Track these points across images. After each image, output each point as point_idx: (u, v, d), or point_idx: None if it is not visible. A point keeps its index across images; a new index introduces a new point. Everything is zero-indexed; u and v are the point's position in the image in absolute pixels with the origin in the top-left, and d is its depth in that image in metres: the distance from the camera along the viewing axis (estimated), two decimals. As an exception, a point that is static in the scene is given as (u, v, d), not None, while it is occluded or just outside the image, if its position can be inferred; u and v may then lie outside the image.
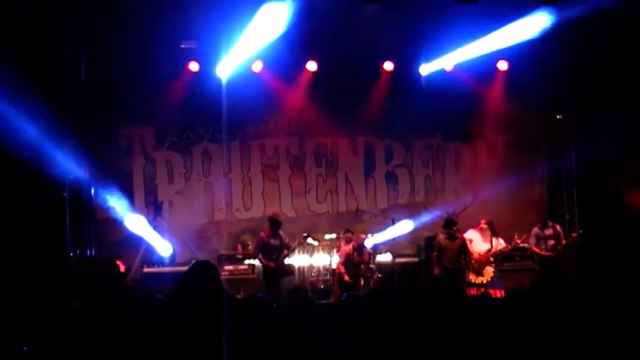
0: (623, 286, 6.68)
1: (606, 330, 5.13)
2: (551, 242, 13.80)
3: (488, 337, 5.16)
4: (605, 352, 4.95)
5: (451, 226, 13.11)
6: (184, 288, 5.97)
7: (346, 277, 13.13)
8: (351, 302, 5.77)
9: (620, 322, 5.20)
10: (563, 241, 13.81)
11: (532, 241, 13.91)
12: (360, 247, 13.38)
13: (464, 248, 13.01)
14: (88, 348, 5.19)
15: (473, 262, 13.00)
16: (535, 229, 13.99)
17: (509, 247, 13.37)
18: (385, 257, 14.42)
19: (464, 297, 11.86)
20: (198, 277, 5.85)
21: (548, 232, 13.87)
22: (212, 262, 6.56)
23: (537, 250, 13.85)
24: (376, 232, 14.78)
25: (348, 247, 13.49)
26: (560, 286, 12.86)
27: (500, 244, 13.32)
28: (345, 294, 6.11)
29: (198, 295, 5.71)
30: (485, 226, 13.32)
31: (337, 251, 13.98)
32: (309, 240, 13.94)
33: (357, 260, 13.29)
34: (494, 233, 13.35)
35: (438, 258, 12.99)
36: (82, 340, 5.32)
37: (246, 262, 13.83)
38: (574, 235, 14.10)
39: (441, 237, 13.14)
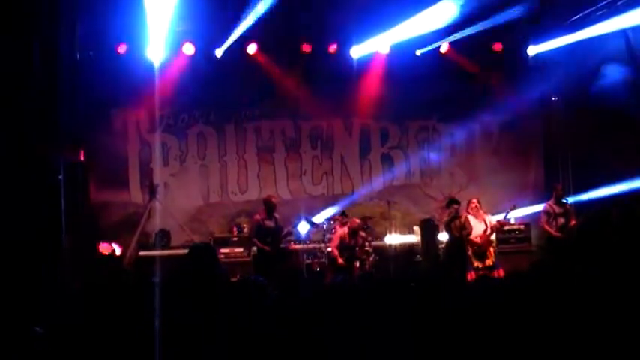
0: (625, 268, 6.65)
1: (609, 311, 5.12)
2: (561, 220, 13.52)
3: (486, 320, 5.16)
4: (606, 335, 4.94)
5: (453, 204, 13.17)
6: (185, 270, 5.99)
7: (340, 260, 13.16)
8: (343, 286, 5.79)
9: (622, 306, 5.19)
10: (573, 221, 13.61)
11: (543, 218, 13.70)
12: (354, 231, 13.41)
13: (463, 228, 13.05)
14: (85, 331, 5.20)
15: (475, 247, 12.93)
16: (546, 206, 13.77)
17: (498, 223, 13.31)
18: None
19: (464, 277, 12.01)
20: (199, 260, 5.88)
21: (559, 209, 13.62)
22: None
23: (548, 229, 13.58)
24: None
25: (342, 231, 13.51)
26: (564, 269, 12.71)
27: (490, 221, 13.27)
28: (338, 277, 6.14)
29: (198, 277, 5.73)
30: (476, 206, 13.25)
31: (332, 234, 13.99)
32: (303, 223, 14.01)
33: (351, 244, 13.34)
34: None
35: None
36: (79, 324, 5.33)
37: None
38: (580, 222, 13.97)
39: (446, 219, 13.24)
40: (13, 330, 5.18)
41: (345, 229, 13.46)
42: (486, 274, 12.34)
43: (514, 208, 13.46)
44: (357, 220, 13.72)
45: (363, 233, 13.65)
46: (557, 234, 13.49)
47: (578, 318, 5.08)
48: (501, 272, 12.54)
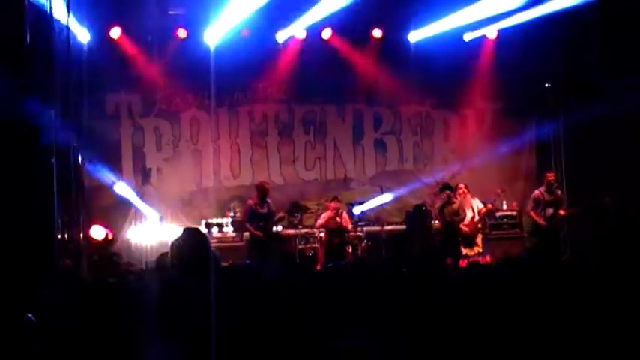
0: (620, 255, 6.65)
1: (603, 302, 5.12)
2: (550, 210, 13.34)
3: (478, 306, 5.17)
4: (600, 324, 4.95)
5: (446, 190, 13.18)
6: (175, 254, 5.98)
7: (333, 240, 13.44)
8: (335, 271, 5.80)
9: (618, 295, 5.20)
10: (562, 211, 13.51)
11: (530, 204, 13.56)
12: (336, 214, 13.53)
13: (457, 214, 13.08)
14: (77, 316, 5.20)
15: (462, 235, 12.93)
16: (536, 193, 13.60)
17: (485, 209, 13.27)
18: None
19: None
20: (189, 244, 5.87)
21: (549, 197, 13.42)
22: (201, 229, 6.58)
23: (534, 217, 13.42)
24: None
25: (327, 214, 13.75)
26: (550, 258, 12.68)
27: (478, 206, 13.25)
28: (330, 261, 6.15)
29: (189, 260, 5.72)
30: (464, 191, 13.24)
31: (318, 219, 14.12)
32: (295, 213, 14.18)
33: (334, 227, 13.44)
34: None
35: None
36: (70, 309, 5.32)
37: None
38: (573, 211, 13.92)
39: (439, 204, 13.24)
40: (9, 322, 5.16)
41: (329, 213, 13.59)
42: (475, 261, 12.39)
43: (502, 192, 13.45)
44: (333, 204, 13.78)
45: (345, 215, 13.74)
46: (543, 223, 13.35)
47: (571, 305, 5.10)
48: (488, 258, 12.58)
